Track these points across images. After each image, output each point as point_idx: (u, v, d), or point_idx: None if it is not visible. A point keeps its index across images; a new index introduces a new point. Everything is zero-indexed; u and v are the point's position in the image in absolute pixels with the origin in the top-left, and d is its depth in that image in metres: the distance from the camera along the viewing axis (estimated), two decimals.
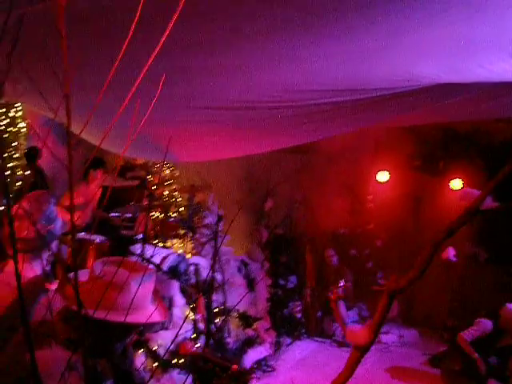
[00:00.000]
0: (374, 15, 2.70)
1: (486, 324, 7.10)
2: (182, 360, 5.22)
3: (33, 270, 2.51)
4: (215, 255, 5.30)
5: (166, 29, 1.23)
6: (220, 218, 5.00)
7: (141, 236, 7.08)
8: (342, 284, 9.44)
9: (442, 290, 9.46)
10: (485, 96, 4.17)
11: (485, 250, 9.30)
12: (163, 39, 1.20)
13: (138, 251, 6.75)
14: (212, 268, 5.79)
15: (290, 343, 8.54)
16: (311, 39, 3.00)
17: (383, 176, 10.18)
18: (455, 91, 3.92)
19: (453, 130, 9.79)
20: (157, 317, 2.17)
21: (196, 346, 5.22)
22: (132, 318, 2.03)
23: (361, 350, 2.00)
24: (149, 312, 2.10)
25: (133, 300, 1.98)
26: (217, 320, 6.69)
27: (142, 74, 1.22)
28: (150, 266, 6.52)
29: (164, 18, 1.61)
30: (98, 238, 6.42)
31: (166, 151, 4.64)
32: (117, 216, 7.08)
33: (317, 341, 9.04)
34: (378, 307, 1.91)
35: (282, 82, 3.67)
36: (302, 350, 8.47)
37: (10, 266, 2.49)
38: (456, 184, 9.74)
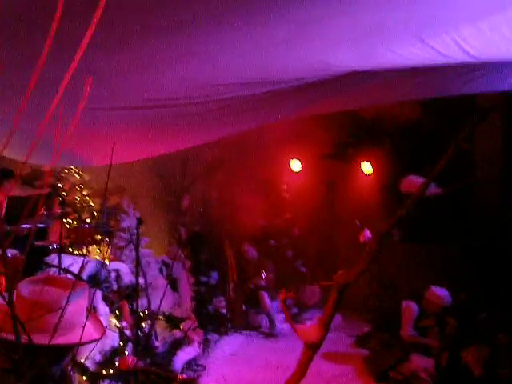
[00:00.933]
0: (283, 5, 2.67)
1: (413, 307, 7.35)
2: (112, 371, 5.07)
3: None
4: (137, 259, 5.15)
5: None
6: (140, 221, 4.86)
7: (55, 245, 6.80)
8: (263, 276, 9.50)
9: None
10: (394, 80, 4.27)
11: (399, 230, 9.60)
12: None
13: (55, 262, 6.47)
14: (136, 272, 5.62)
15: (218, 339, 8.50)
16: (222, 33, 2.94)
17: (296, 165, 10.30)
18: (366, 77, 3.98)
19: (359, 115, 10.03)
20: (93, 334, 2.06)
21: (135, 359, 5.06)
22: (65, 339, 1.91)
23: (313, 348, 1.99)
24: (84, 330, 1.98)
25: (65, 319, 1.86)
26: (143, 325, 6.54)
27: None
28: (70, 277, 6.27)
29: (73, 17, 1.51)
30: (9, 253, 6.09)
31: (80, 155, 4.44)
32: (28, 227, 6.74)
33: (244, 334, 9.05)
34: (327, 303, 1.91)
35: (195, 78, 3.59)
36: (230, 345, 8.45)
37: None
38: (367, 168, 10.01)
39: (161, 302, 7.17)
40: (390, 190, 9.00)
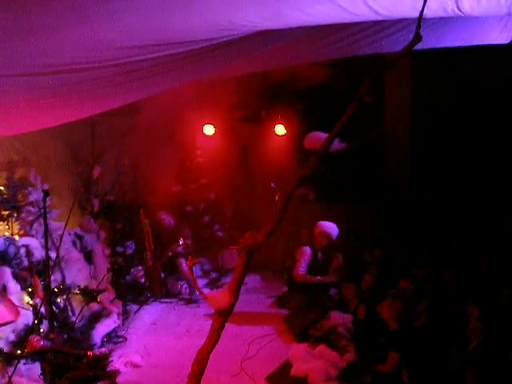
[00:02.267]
0: None
1: (307, 250, 7.51)
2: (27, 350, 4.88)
3: None
4: (46, 232, 4.93)
5: None
6: (46, 193, 4.63)
7: None
8: (181, 242, 9.41)
9: (277, 233, 9.77)
10: (303, 41, 4.24)
11: (313, 190, 9.76)
12: None
13: None
14: (45, 246, 5.39)
15: (138, 309, 8.38)
16: None
17: (209, 130, 10.19)
18: (275, 38, 3.93)
19: (271, 77, 10.00)
20: (7, 316, 1.94)
21: (41, 339, 4.87)
22: None
23: (224, 314, 1.96)
24: None
25: None
26: (58, 300, 6.33)
27: None
28: None
29: None
30: None
31: None
32: None
33: (164, 302, 8.97)
34: (236, 267, 1.87)
35: (96, 41, 3.41)
36: (150, 314, 8.36)
37: None
38: (279, 130, 10.05)
39: (75, 275, 6.98)
40: (303, 151, 9.10)
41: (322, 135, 1.82)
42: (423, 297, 6.79)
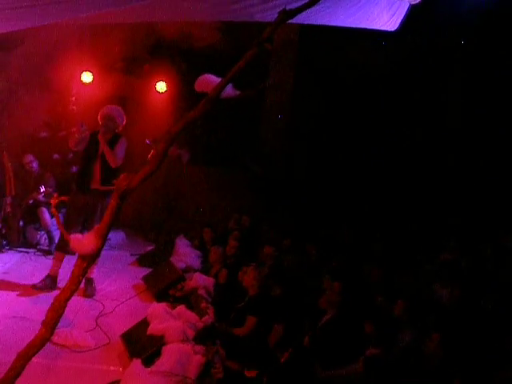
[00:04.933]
0: None
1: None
2: None
3: None
4: None
5: None
6: None
7: None
8: (42, 190, 8.96)
9: (146, 192, 9.61)
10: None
11: (187, 151, 9.67)
12: None
13: None
14: None
15: None
16: None
17: (87, 77, 9.74)
18: None
19: (158, 33, 9.73)
20: None
21: None
22: None
23: (87, 259, 1.85)
24: None
25: None
26: None
27: None
28: None
29: None
30: None
31: None
32: None
33: (20, 251, 8.55)
34: (106, 210, 1.77)
35: None
36: (4, 262, 7.93)
37: None
38: (161, 86, 9.83)
39: None
40: (183, 110, 8.97)
41: (216, 78, 1.74)
42: (283, 266, 7.00)
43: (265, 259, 7.14)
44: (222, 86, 1.45)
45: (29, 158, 9.10)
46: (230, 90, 1.75)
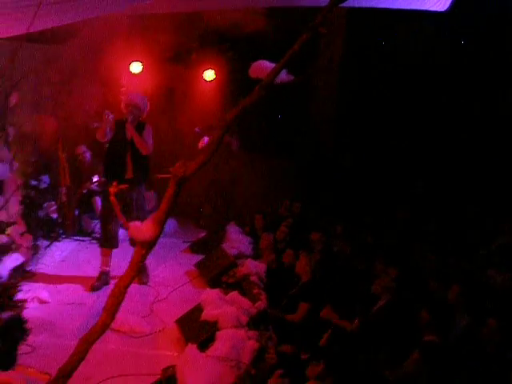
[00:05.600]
0: None
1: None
2: None
3: None
4: None
5: None
6: None
7: None
8: (96, 179, 9.16)
9: (197, 180, 9.70)
10: None
11: (236, 139, 9.70)
12: None
13: None
14: None
15: (48, 245, 8.15)
16: None
17: (136, 67, 9.84)
18: None
19: (206, 21, 9.76)
20: None
21: None
22: None
23: (146, 246, 1.88)
24: None
25: None
26: None
27: None
28: None
29: None
30: None
31: None
32: None
33: (76, 240, 8.79)
34: (163, 198, 1.79)
35: None
36: (61, 251, 8.17)
37: None
38: (209, 75, 9.86)
39: None
40: (231, 98, 8.99)
41: (269, 64, 1.74)
42: (333, 252, 6.97)
43: (314, 245, 7.12)
44: (276, 72, 1.45)
45: (82, 148, 9.31)
46: (284, 76, 1.74)
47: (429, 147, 8.99)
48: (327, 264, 6.22)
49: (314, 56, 9.80)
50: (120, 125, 6.81)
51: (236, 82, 9.06)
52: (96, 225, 9.05)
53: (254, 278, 6.55)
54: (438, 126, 9.11)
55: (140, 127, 6.84)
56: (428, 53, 9.22)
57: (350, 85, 9.83)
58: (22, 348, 4.74)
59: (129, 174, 6.73)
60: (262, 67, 1.78)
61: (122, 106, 6.80)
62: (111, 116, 6.72)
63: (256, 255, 7.72)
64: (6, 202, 7.14)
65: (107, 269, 6.92)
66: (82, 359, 2.02)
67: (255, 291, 6.16)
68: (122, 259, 6.67)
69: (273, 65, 1.73)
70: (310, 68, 9.46)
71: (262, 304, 5.70)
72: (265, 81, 1.43)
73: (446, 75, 9.16)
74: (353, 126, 9.73)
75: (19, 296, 5.83)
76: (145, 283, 6.98)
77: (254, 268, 6.77)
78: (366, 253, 6.69)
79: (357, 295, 5.61)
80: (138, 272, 6.85)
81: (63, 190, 8.91)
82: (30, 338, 5.01)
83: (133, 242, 6.70)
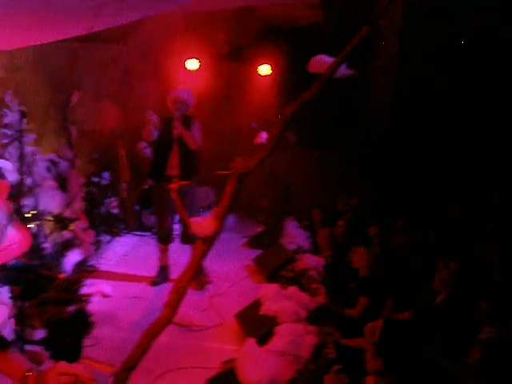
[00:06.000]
0: None
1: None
2: None
3: None
4: (21, 156, 4.79)
5: None
6: (23, 114, 4.43)
7: None
8: None
9: (255, 175, 9.72)
10: None
11: (294, 133, 9.67)
12: None
13: None
14: (20, 170, 5.26)
15: (110, 240, 8.36)
16: None
17: (193, 64, 9.94)
18: None
19: (259, 15, 9.76)
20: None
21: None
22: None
23: (207, 242, 1.90)
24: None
25: None
26: (30, 226, 6.23)
27: None
28: None
29: None
30: None
31: None
32: None
33: (137, 235, 8.97)
34: (224, 194, 1.80)
35: None
36: (122, 246, 8.36)
37: None
38: (264, 70, 9.85)
39: (48, 202, 6.85)
40: (287, 93, 8.96)
41: (329, 59, 1.72)
42: (393, 246, 6.86)
43: (373, 240, 7.03)
44: (336, 65, 1.43)
45: (142, 144, 9.49)
46: (343, 70, 1.71)
47: (496, 139, 8.64)
48: (386, 258, 6.13)
49: (371, 47, 9.62)
50: (167, 122, 6.82)
51: (292, 76, 9.03)
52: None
53: (312, 273, 6.54)
54: (503, 112, 8.69)
55: (187, 122, 6.82)
56: (491, 37, 8.86)
57: (409, 72, 9.57)
58: (87, 341, 4.89)
59: (176, 171, 6.69)
60: (322, 62, 1.76)
61: (169, 102, 6.78)
62: (154, 116, 6.80)
63: (314, 250, 7.70)
64: (73, 199, 7.35)
65: (166, 264, 7.02)
66: (145, 352, 2.06)
67: (314, 286, 6.15)
68: (180, 255, 6.78)
69: (332, 59, 1.71)
70: (369, 59, 9.30)
71: (320, 299, 5.69)
72: (325, 75, 1.41)
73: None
74: (412, 116, 9.49)
75: (83, 290, 6.01)
76: (204, 284, 6.92)
77: (312, 263, 6.75)
78: (427, 247, 6.57)
79: (416, 290, 5.52)
80: (196, 275, 6.98)
81: (124, 185, 9.11)
82: (94, 332, 5.16)
83: (185, 239, 6.82)
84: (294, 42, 9.61)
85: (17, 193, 5.90)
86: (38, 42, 5.77)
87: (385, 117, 9.88)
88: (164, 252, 7.03)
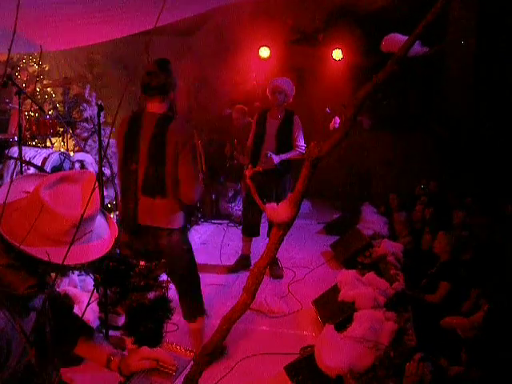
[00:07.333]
0: None
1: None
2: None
3: None
4: (100, 149, 4.94)
5: None
6: (101, 108, 4.57)
7: (16, 138, 6.55)
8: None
9: (330, 160, 9.66)
10: None
11: (368, 118, 9.52)
12: None
13: (15, 154, 6.27)
14: (100, 159, 5.44)
15: (189, 229, 8.51)
16: None
17: (265, 52, 9.96)
18: None
19: (330, 0, 9.65)
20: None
21: None
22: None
23: (283, 227, 1.91)
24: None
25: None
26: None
27: None
28: (32, 170, 6.09)
29: None
30: None
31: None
32: None
33: (214, 223, 9.09)
34: (299, 179, 1.80)
35: None
36: (200, 234, 8.50)
37: None
38: (337, 54, 9.75)
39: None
40: (360, 76, 8.81)
41: (402, 37, 1.66)
42: (473, 230, 6.64)
43: (455, 224, 6.85)
44: (410, 44, 1.38)
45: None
46: (417, 48, 1.65)
47: None
48: (468, 243, 5.94)
49: (446, 23, 9.30)
50: (261, 115, 6.68)
51: (365, 59, 8.87)
52: (233, 208, 9.34)
53: (390, 259, 6.43)
54: None
55: (288, 119, 6.60)
56: None
57: (489, 48, 9.19)
58: (168, 326, 5.00)
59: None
60: (395, 40, 1.70)
61: (268, 92, 6.54)
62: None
63: (392, 235, 7.58)
64: None
65: (247, 253, 7.05)
66: (224, 337, 2.09)
67: (392, 272, 6.04)
68: (261, 245, 6.84)
69: (405, 37, 1.65)
70: (444, 36, 9.00)
71: (399, 285, 5.58)
72: (398, 54, 1.37)
73: None
74: (494, 94, 9.11)
75: (163, 277, 6.14)
76: (278, 276, 6.83)
77: (390, 248, 6.63)
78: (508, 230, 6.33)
79: (500, 273, 5.33)
80: (271, 264, 7.01)
81: (200, 175, 9.23)
82: (174, 317, 5.26)
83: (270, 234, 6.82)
84: (366, 25, 9.43)
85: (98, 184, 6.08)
86: (112, 37, 5.94)
87: (463, 97, 9.54)
88: (246, 242, 7.04)
